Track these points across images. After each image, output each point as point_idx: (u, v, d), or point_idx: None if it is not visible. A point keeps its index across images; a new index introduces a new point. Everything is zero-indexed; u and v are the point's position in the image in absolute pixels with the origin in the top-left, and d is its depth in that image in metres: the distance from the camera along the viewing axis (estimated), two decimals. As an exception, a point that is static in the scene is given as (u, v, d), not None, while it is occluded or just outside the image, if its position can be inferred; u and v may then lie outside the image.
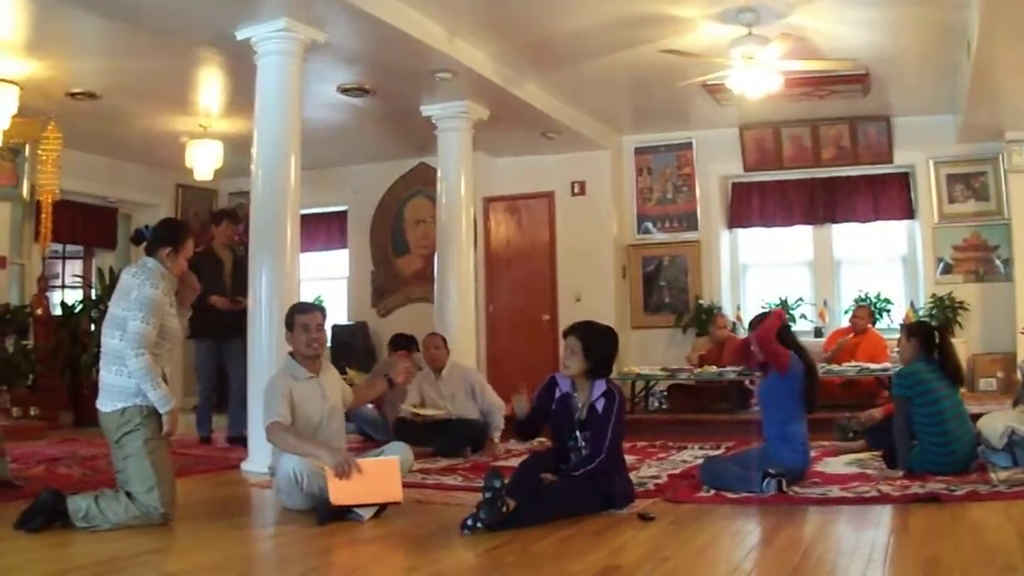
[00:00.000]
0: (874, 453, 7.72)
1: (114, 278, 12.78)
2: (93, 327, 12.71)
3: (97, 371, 11.77)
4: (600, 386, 5.87)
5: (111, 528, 5.31)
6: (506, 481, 5.33)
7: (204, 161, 12.77)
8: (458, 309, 11.02)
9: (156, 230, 5.80)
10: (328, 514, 5.59)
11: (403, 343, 10.48)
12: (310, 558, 4.96)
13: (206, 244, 10.29)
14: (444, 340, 9.82)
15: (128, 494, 5.42)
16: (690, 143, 13.93)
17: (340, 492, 5.63)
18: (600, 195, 13.94)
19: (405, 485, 6.02)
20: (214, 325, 9.67)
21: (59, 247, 14.61)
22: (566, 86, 11.50)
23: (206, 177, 13.11)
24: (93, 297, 13.47)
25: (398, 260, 14.94)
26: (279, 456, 5.99)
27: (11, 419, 10.47)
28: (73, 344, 12.73)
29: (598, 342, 5.93)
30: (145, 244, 5.78)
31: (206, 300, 8.87)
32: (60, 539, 5.18)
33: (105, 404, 5.54)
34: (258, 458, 7.71)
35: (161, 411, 5.50)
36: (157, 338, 5.53)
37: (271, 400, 6.04)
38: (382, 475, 5.78)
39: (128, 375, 5.47)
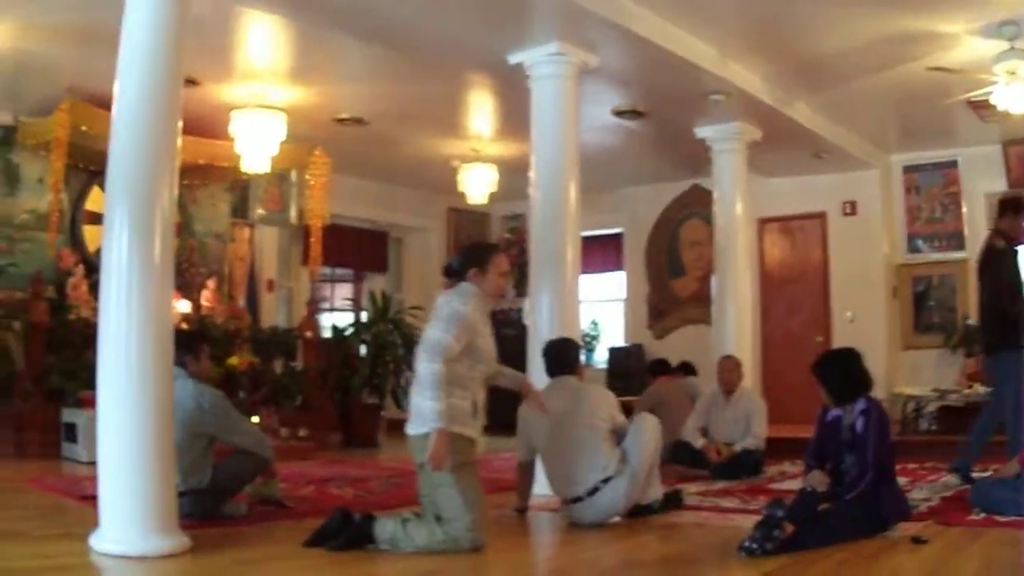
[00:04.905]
0: None
1: (386, 301, 13.07)
2: (364, 349, 12.90)
3: (368, 392, 12.11)
4: (859, 405, 5.92)
5: (414, 551, 5.17)
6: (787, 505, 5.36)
7: (477, 185, 12.93)
8: (736, 331, 10.87)
9: (461, 256, 5.73)
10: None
11: (659, 368, 10.74)
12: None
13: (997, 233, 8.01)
14: (739, 364, 9.69)
15: (437, 518, 5.27)
16: (955, 161, 13.47)
17: None
18: (871, 214, 13.72)
19: (686, 508, 6.68)
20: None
21: (328, 270, 14.97)
22: (835, 106, 11.27)
23: (480, 201, 13.26)
24: (364, 320, 13.66)
25: (674, 282, 15.05)
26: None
27: (280, 439, 10.55)
28: (343, 367, 12.98)
29: (825, 374, 6.10)
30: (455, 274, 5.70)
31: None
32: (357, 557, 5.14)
33: (413, 428, 5.38)
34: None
35: (431, 425, 5.21)
36: (469, 360, 5.37)
37: None
38: None
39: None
